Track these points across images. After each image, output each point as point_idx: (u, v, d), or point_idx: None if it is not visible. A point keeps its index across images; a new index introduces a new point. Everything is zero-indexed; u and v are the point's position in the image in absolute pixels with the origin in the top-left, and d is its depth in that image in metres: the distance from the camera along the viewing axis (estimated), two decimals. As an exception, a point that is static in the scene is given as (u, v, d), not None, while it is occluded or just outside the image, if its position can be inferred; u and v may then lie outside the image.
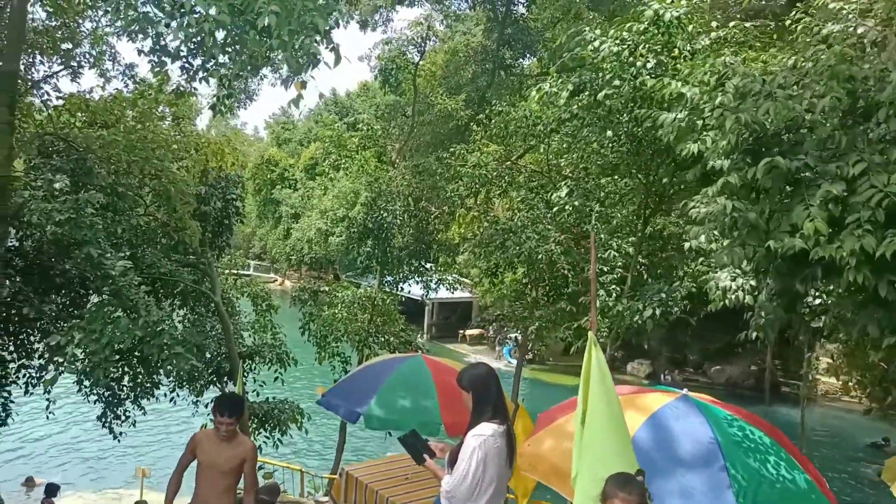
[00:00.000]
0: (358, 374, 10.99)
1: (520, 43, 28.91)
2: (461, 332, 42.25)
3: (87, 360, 8.65)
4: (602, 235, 14.68)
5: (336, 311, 15.66)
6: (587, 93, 9.96)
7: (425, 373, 10.49)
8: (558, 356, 36.15)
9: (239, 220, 17.01)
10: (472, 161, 14.57)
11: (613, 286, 13.08)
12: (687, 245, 7.34)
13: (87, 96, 13.05)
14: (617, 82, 9.54)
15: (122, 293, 8.52)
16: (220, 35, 8.02)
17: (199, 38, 10.01)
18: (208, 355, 17.46)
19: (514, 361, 37.53)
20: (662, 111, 7.70)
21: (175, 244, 18.20)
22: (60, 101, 12.47)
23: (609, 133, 10.19)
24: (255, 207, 64.06)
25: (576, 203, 11.17)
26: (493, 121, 14.73)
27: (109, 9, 8.18)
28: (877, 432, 27.74)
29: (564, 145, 12.64)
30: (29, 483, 23.33)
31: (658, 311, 10.08)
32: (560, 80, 10.13)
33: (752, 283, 6.83)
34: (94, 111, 12.34)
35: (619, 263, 14.05)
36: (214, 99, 11.54)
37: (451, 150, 15.31)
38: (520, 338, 34.94)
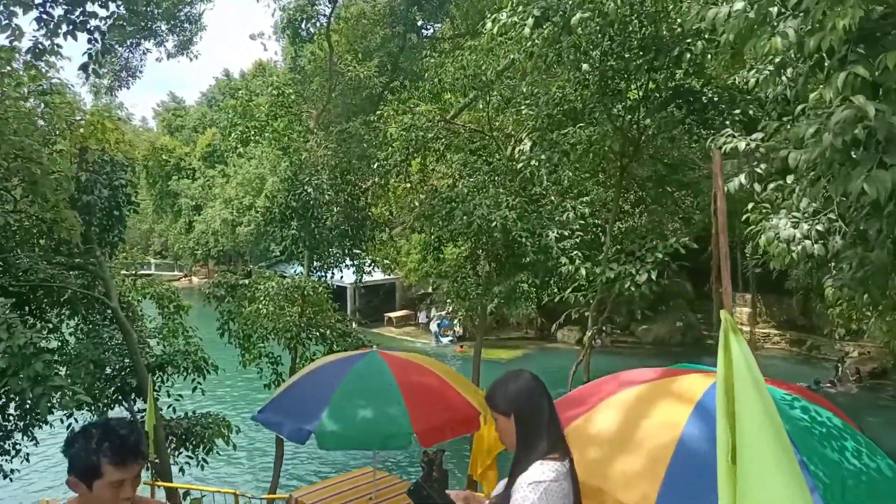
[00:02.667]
0: (302, 382, 8.94)
1: (430, 3, 26.97)
2: (387, 315, 40.39)
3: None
4: (553, 198, 13.15)
5: (260, 305, 13.46)
6: (556, 19, 8.17)
7: (385, 373, 8.62)
8: (488, 331, 34.95)
9: (131, 209, 14.44)
10: (403, 122, 12.63)
11: (575, 252, 11.52)
12: (731, 185, 5.71)
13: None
14: (588, 11, 7.84)
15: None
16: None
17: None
18: (109, 370, 14.90)
19: (444, 340, 36.22)
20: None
21: (57, 244, 15.47)
22: None
23: (585, 67, 8.48)
24: (151, 201, 59.61)
25: (542, 157, 9.42)
26: (425, 75, 12.81)
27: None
28: (804, 376, 27.81)
29: (521, 94, 10.87)
30: None
31: (654, 274, 8.51)
32: (521, 7, 8.29)
33: (820, 227, 5.24)
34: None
35: (577, 226, 12.54)
36: (85, 57, 9.15)
37: (379, 112, 13.31)
38: (458, 317, 33.46)
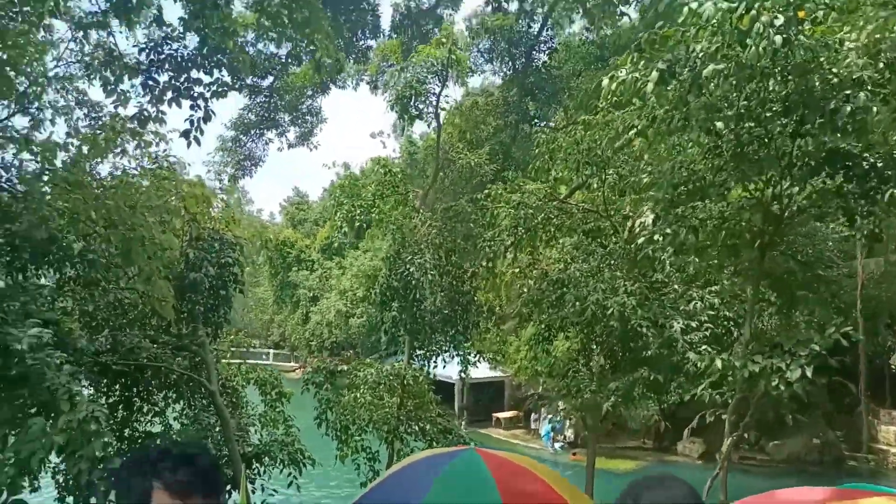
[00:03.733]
0: (395, 478, 7.87)
1: (543, 93, 26.77)
2: (495, 415, 38.70)
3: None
4: (677, 286, 11.88)
5: (358, 394, 12.68)
6: (684, 75, 7.25)
7: (483, 472, 7.32)
8: (602, 437, 32.51)
9: (237, 289, 14.26)
10: (511, 200, 11.87)
11: (704, 347, 10.11)
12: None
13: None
14: (721, 63, 6.90)
15: (32, 379, 5.72)
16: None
17: (162, 50, 7.45)
18: (208, 458, 14.41)
19: (556, 446, 33.96)
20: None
21: (167, 325, 15.48)
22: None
23: (719, 125, 7.44)
24: (272, 292, 61.62)
25: (667, 231, 8.30)
26: (536, 151, 12.11)
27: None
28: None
29: (641, 166, 9.90)
30: None
31: (809, 370, 7.02)
32: (642, 63, 7.44)
33: None
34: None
35: (706, 317, 11.13)
36: (187, 123, 9.06)
37: (487, 190, 12.64)
38: (570, 418, 31.38)
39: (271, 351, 62.63)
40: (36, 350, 5.81)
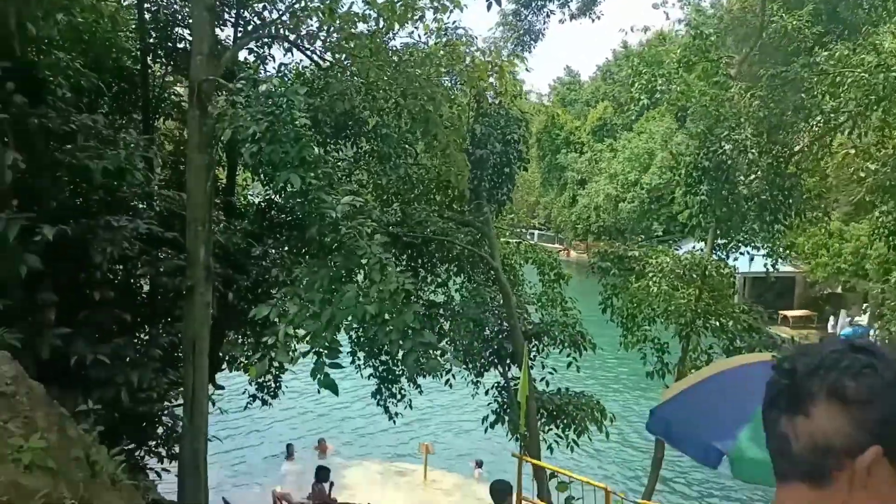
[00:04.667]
0: (708, 387, 6.92)
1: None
2: (782, 313, 35.35)
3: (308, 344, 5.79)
4: None
5: (650, 282, 11.62)
6: None
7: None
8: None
9: (521, 166, 13.69)
10: (866, 63, 9.48)
11: None
12: None
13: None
14: None
15: (346, 246, 5.51)
16: None
17: None
18: (487, 332, 14.59)
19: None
20: None
21: (450, 201, 15.60)
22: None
23: None
24: (539, 174, 61.54)
25: None
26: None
27: None
28: None
29: None
30: (321, 446, 23.07)
31: None
32: None
33: None
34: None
35: None
36: None
37: (828, 52, 10.29)
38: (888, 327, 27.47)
39: (536, 232, 63.33)
40: (349, 218, 5.61)
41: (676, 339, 12.82)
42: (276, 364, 6.04)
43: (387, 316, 5.41)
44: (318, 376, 5.50)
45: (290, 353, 5.85)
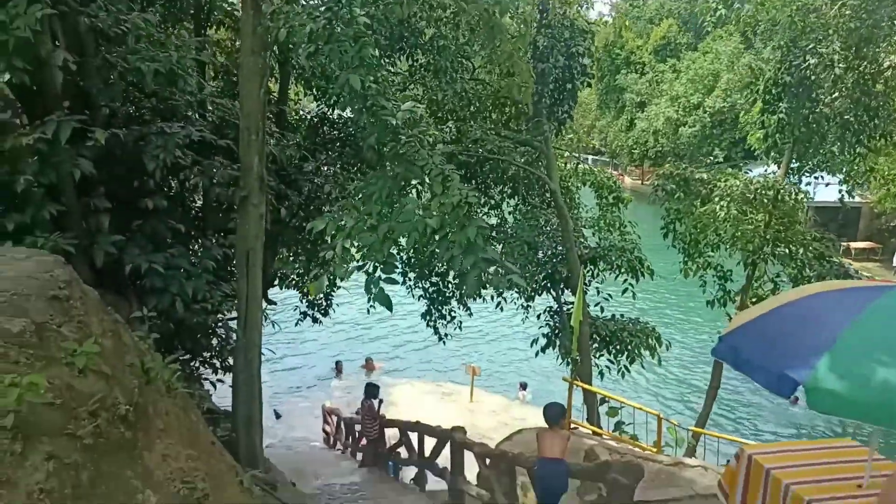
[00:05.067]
0: (783, 314, 6.46)
1: None
2: (844, 243, 34.08)
3: (363, 259, 5.58)
4: None
5: (717, 206, 11.06)
6: None
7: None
8: None
9: (585, 82, 13.00)
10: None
11: None
12: None
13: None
14: None
15: (406, 156, 5.18)
16: None
17: None
18: (541, 255, 14.28)
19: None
20: None
21: (507, 119, 15.04)
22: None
23: None
24: (596, 96, 59.53)
25: None
26: None
27: None
28: None
29: None
30: (368, 365, 23.48)
31: None
32: None
33: None
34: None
35: None
36: None
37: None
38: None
39: (590, 157, 61.83)
40: (409, 126, 5.26)
41: (740, 267, 12.33)
42: (333, 279, 5.84)
43: (448, 230, 5.12)
44: (373, 291, 5.29)
45: (347, 268, 5.63)
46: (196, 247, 7.73)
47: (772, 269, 11.91)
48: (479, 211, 14.78)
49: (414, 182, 5.67)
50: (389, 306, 5.23)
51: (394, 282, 5.34)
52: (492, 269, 5.29)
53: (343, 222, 5.49)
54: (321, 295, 15.87)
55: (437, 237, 5.15)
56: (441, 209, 5.09)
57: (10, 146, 5.62)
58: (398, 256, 15.86)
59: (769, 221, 11.16)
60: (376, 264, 5.39)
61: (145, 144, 6.53)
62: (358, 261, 5.46)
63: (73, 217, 6.18)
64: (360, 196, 5.69)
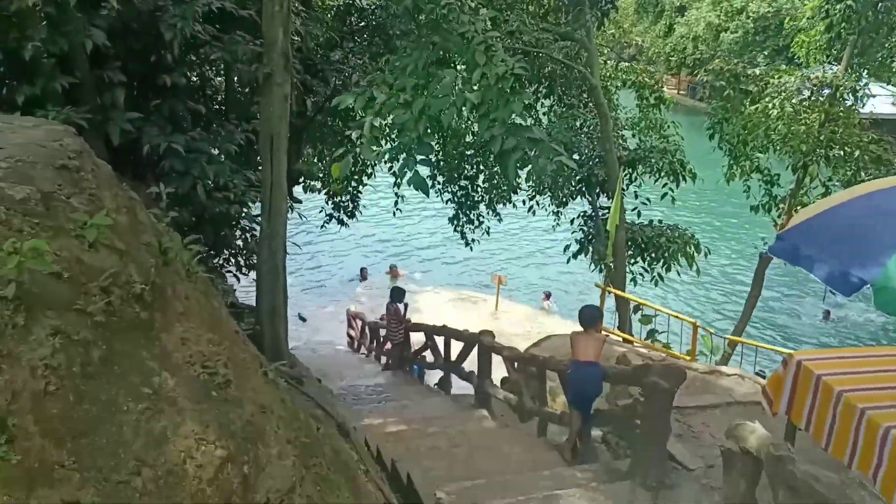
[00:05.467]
0: (848, 210, 5.98)
1: None
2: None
3: (395, 138, 5.13)
4: None
5: (770, 104, 10.33)
6: None
7: None
8: None
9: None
10: None
11: None
12: None
13: None
14: None
15: (445, 23, 4.62)
16: None
17: None
18: (577, 157, 13.67)
19: None
20: None
21: (545, 12, 14.14)
22: None
23: None
24: (633, 0, 56.83)
25: None
26: None
27: None
28: None
29: None
30: (393, 271, 23.40)
31: None
32: None
33: None
34: None
35: None
36: None
37: None
38: None
39: (625, 64, 59.55)
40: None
41: (787, 172, 11.67)
42: (360, 160, 5.36)
43: (490, 106, 4.61)
44: (407, 174, 4.85)
45: (376, 150, 5.17)
46: (219, 130, 7.27)
47: (823, 174, 11.26)
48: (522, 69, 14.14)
49: (453, 52, 5.12)
50: (426, 189, 4.80)
51: (429, 163, 4.88)
52: (534, 149, 4.81)
53: (373, 97, 5.00)
54: (347, 196, 15.53)
55: (477, 114, 4.65)
56: (483, 82, 4.58)
57: (15, 8, 5.16)
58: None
59: (824, 121, 10.44)
60: (411, 145, 4.94)
61: (162, 14, 6.01)
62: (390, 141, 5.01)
63: (86, 90, 5.76)
64: (393, 70, 5.17)
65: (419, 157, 4.85)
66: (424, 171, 5.34)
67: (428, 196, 5.28)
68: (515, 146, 4.58)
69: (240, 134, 6.88)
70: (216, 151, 6.51)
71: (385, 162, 8.14)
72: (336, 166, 5.19)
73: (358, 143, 5.03)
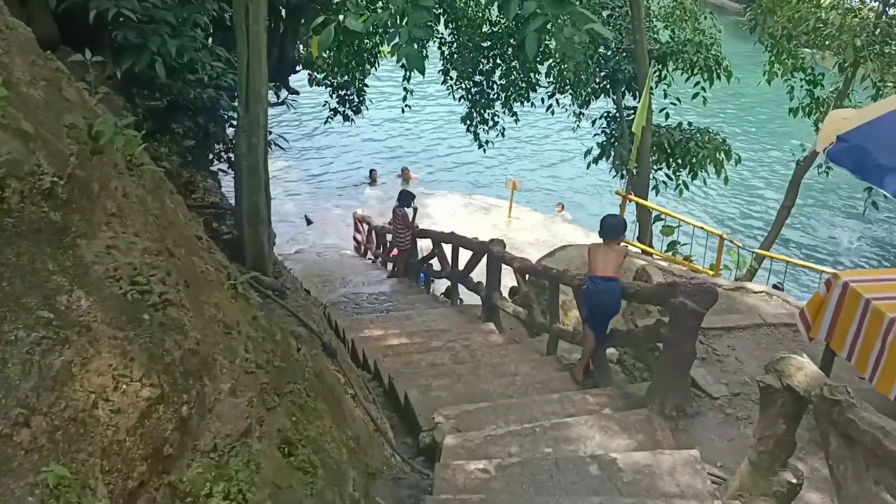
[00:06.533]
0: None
1: None
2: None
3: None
4: None
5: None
6: None
7: None
8: None
9: None
10: None
11: None
12: None
13: None
14: None
15: None
16: None
17: None
18: (603, 50, 12.47)
19: None
20: None
21: None
22: None
23: None
24: None
25: None
26: None
27: None
28: None
29: None
30: (404, 174, 22.65)
31: None
32: None
33: None
34: None
35: None
36: None
37: None
38: None
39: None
40: None
41: (829, 74, 10.57)
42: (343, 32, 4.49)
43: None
44: (402, 48, 3.97)
45: (363, 17, 4.26)
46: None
47: (874, 75, 10.15)
48: None
49: None
50: (421, 67, 3.93)
51: (429, 34, 4.00)
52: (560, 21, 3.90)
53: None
54: (352, 90, 14.56)
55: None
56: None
57: None
58: (441, 51, 14.24)
59: (881, 13, 9.26)
60: (406, 14, 4.04)
61: None
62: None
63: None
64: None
65: (413, 24, 3.95)
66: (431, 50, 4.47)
67: (423, 75, 4.40)
68: (536, 11, 3.69)
69: (212, 2, 5.92)
70: (182, 22, 5.54)
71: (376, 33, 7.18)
72: (314, 41, 4.26)
73: (343, 10, 4.12)
